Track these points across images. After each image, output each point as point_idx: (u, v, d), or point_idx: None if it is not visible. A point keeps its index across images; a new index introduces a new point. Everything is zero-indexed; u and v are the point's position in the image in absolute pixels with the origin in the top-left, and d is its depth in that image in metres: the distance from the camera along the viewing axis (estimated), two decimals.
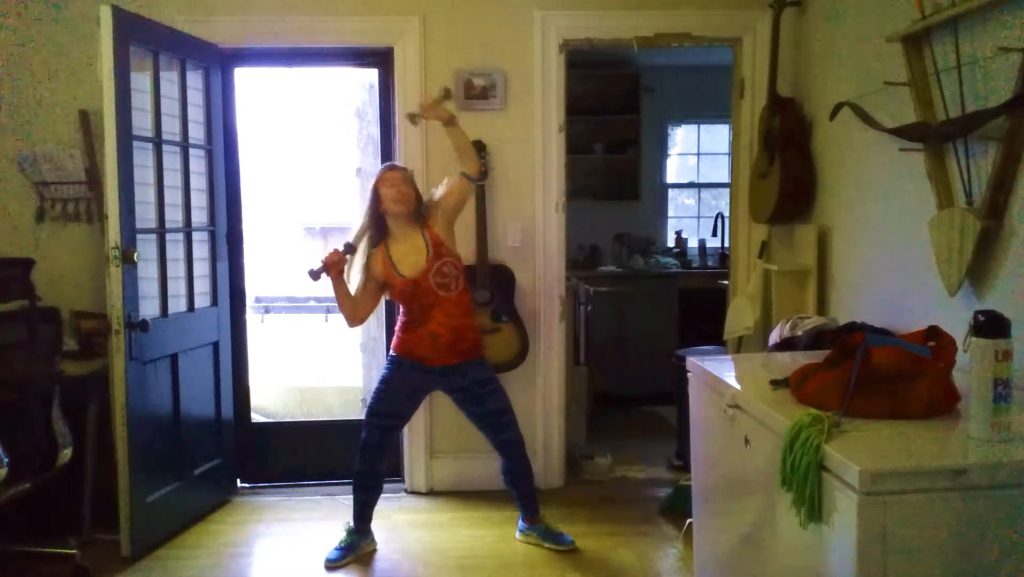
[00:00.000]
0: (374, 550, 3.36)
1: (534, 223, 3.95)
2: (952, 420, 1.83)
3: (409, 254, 3.15)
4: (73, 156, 3.76)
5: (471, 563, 3.26)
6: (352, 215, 5.00)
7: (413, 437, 3.97)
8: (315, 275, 3.13)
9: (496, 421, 3.30)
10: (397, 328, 3.29)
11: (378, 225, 3.18)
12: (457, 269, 3.18)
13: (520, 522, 3.45)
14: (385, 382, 3.27)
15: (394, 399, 3.27)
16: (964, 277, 2.40)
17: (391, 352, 3.29)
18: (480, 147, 3.82)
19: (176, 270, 3.61)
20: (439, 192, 3.28)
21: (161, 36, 3.48)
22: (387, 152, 4.05)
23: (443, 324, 3.14)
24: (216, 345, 3.84)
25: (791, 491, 1.69)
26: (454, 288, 3.15)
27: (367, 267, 3.18)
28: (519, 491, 3.40)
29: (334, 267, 3.13)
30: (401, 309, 3.26)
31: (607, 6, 3.86)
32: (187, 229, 3.66)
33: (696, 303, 5.64)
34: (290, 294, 9.04)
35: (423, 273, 3.11)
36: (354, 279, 3.20)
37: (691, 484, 2.62)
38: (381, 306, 3.79)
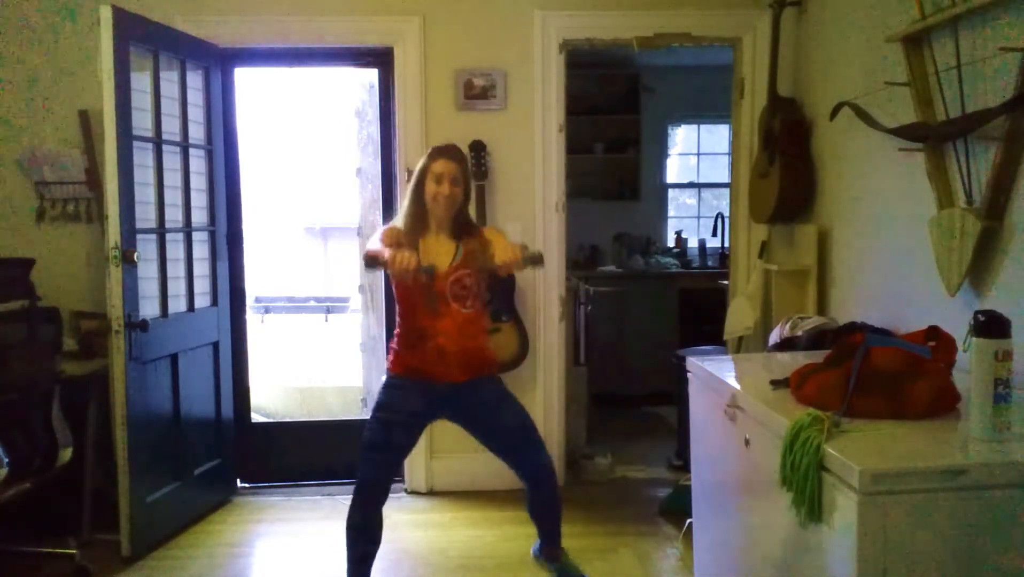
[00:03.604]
0: None
1: (534, 223, 3.95)
2: (952, 420, 1.83)
3: (435, 252, 2.68)
4: (73, 156, 3.76)
5: (471, 563, 3.26)
6: (352, 215, 4.99)
7: None
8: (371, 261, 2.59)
9: (517, 440, 2.78)
10: (393, 344, 2.78)
11: (420, 216, 2.70)
12: (478, 287, 2.72)
13: (535, 549, 2.98)
14: (382, 408, 2.73)
15: (394, 428, 2.71)
16: (964, 277, 2.40)
17: (387, 373, 2.79)
18: (480, 147, 3.82)
19: (176, 270, 3.61)
20: (492, 246, 2.67)
21: (161, 36, 3.47)
22: (387, 152, 4.06)
23: (452, 340, 2.67)
24: (216, 345, 3.84)
25: (791, 491, 1.69)
26: (469, 305, 2.70)
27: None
28: (546, 527, 2.90)
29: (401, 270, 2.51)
30: (399, 319, 2.75)
31: (607, 6, 3.86)
32: (187, 229, 3.66)
33: (696, 303, 5.65)
34: (290, 294, 9.05)
35: (442, 275, 2.65)
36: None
37: (691, 484, 2.63)
38: (381, 306, 3.78)
